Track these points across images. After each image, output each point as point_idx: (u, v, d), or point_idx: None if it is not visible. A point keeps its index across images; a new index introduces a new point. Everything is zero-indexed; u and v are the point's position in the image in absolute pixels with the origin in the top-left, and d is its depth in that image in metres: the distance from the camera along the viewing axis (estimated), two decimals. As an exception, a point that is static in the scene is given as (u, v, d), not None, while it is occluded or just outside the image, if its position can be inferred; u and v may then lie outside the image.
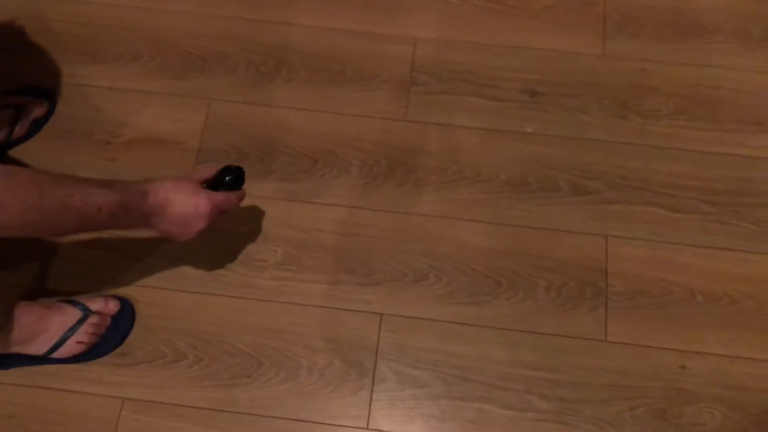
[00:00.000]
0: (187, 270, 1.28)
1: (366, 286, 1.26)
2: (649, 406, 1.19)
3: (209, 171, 1.08)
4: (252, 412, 1.18)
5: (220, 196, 1.04)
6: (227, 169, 1.08)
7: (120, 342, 1.22)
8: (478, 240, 1.30)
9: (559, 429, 1.17)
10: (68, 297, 1.21)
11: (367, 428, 1.17)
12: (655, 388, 1.20)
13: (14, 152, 1.35)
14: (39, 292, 1.24)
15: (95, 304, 1.20)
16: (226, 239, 1.29)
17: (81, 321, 1.17)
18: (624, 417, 1.18)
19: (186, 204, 0.98)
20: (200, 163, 1.35)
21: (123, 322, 1.22)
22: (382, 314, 1.24)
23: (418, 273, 1.27)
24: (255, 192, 1.31)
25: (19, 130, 1.35)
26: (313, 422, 1.18)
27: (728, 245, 1.30)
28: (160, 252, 1.28)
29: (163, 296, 1.26)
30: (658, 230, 1.31)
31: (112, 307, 1.21)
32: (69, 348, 1.17)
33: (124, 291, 1.26)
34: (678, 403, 1.19)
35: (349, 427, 1.18)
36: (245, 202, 1.17)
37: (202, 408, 1.18)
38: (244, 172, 1.09)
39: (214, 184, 1.06)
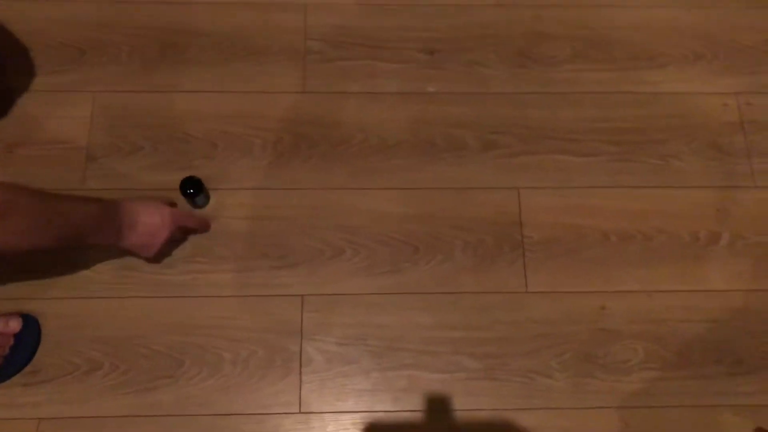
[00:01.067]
0: (92, 275, 1.21)
1: (282, 269, 1.22)
2: (574, 351, 1.21)
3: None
4: (178, 412, 1.14)
5: (180, 212, 1.17)
6: (186, 182, 1.19)
7: (28, 360, 1.15)
8: (392, 207, 1.27)
9: (490, 385, 1.18)
10: (-37, 321, 1.13)
11: (299, 412, 1.15)
12: (578, 332, 1.22)
13: None
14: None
15: (-7, 325, 1.13)
16: (129, 238, 1.22)
17: (-21, 345, 1.11)
18: (552, 365, 1.20)
19: (153, 215, 1.09)
20: (91, 161, 1.27)
21: (28, 340, 1.15)
22: (302, 295, 1.21)
23: (335, 249, 1.24)
24: (155, 185, 1.24)
25: None
26: (244, 414, 1.14)
27: (636, 183, 1.32)
28: (61, 261, 1.21)
29: (70, 306, 1.19)
30: (567, 177, 1.31)
31: (14, 325, 1.14)
32: None
33: (27, 306, 1.18)
34: (602, 344, 1.21)
35: (281, 413, 1.15)
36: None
37: (125, 416, 1.13)
38: (200, 180, 1.21)
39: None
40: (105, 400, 1.14)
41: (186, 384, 1.15)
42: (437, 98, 1.35)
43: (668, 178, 1.32)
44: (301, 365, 1.17)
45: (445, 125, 1.33)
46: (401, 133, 1.32)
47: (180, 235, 1.20)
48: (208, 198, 1.25)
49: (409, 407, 1.16)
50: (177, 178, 1.23)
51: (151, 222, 1.09)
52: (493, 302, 1.22)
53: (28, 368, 1.15)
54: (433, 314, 1.21)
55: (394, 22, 1.41)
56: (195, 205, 1.24)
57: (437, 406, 1.16)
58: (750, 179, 1.33)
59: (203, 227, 1.22)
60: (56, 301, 1.19)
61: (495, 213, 1.28)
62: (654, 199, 1.30)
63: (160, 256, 1.18)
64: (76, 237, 0.98)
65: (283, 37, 1.38)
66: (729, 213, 1.30)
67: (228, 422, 1.14)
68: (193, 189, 1.19)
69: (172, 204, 1.21)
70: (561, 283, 1.24)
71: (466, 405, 1.17)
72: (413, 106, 1.34)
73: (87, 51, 1.35)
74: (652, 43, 1.42)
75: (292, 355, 1.18)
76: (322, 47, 1.38)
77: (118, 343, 1.17)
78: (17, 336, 1.14)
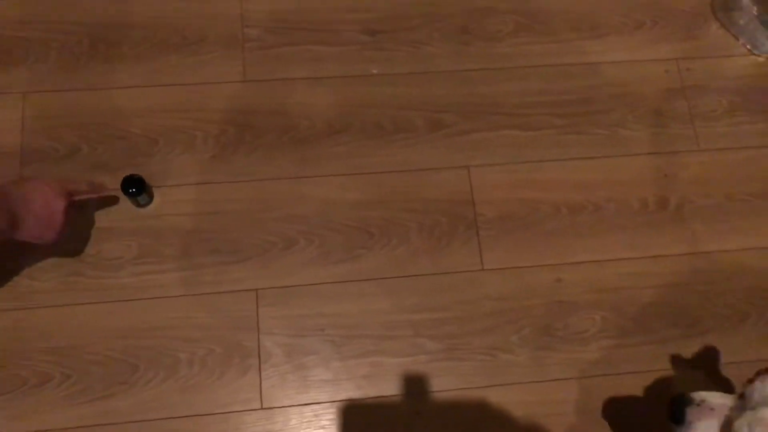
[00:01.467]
0: (35, 284, 1.16)
1: (234, 264, 1.20)
2: (533, 325, 1.21)
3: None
4: (136, 418, 1.11)
5: (71, 183, 1.09)
6: (127, 180, 1.16)
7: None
8: (343, 194, 1.25)
9: (453, 365, 1.18)
10: None
11: (261, 408, 1.13)
12: (535, 306, 1.22)
13: None
14: None
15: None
16: (74, 244, 1.18)
17: None
18: (512, 340, 1.20)
19: (44, 199, 1.02)
20: (26, 165, 1.21)
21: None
22: (257, 290, 1.19)
23: (287, 240, 1.22)
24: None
25: None
26: (204, 415, 1.12)
27: (584, 154, 1.32)
28: None
29: (13, 318, 1.14)
30: (516, 152, 1.31)
31: None
32: None
33: (-34, 321, 1.13)
34: (560, 316, 1.22)
35: (243, 411, 1.13)
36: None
37: (80, 427, 1.10)
38: (141, 178, 1.17)
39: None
40: (58, 413, 1.10)
41: (142, 389, 1.12)
42: (382, 80, 1.33)
43: (615, 147, 1.33)
44: (260, 360, 1.15)
45: (391, 107, 1.32)
46: (347, 118, 1.30)
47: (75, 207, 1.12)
48: (151, 196, 1.21)
49: (373, 394, 1.15)
50: (119, 177, 1.18)
51: (42, 200, 1.02)
52: (450, 283, 1.22)
53: (-27, 386, 1.10)
54: (391, 299, 1.20)
55: (332, 4, 1.38)
56: (138, 205, 1.20)
57: (401, 390, 1.16)
58: (694, 143, 1.34)
59: (97, 190, 1.16)
60: (-1, 313, 1.14)
61: (447, 193, 1.27)
62: (602, 169, 1.31)
63: (62, 236, 1.09)
64: None
65: (219, 25, 1.34)
66: (676, 177, 1.32)
67: (189, 424, 1.11)
68: (135, 188, 1.15)
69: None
70: (516, 259, 1.24)
71: (430, 387, 1.16)
72: (358, 89, 1.32)
73: (12, 50, 1.29)
74: (592, 13, 1.42)
75: (250, 350, 1.16)
76: (260, 34, 1.34)
77: (68, 351, 1.13)
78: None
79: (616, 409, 1.18)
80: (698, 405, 0.90)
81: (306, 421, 1.13)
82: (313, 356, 1.16)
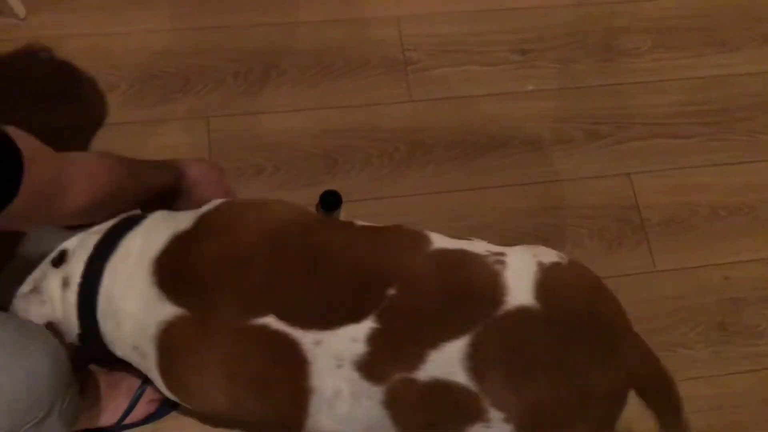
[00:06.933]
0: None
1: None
2: (708, 322, 1.27)
3: None
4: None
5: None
6: (327, 196, 1.21)
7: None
8: (515, 202, 1.31)
9: (639, 363, 1.22)
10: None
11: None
12: (709, 303, 1.28)
13: None
14: None
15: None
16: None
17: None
18: (690, 337, 1.25)
19: (209, 177, 1.05)
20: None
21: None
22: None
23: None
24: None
25: None
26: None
27: (732, 159, 1.40)
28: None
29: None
30: (670, 159, 1.38)
31: None
32: (141, 409, 1.08)
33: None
34: (732, 312, 1.28)
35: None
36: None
37: None
38: (338, 193, 1.22)
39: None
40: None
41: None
42: (537, 95, 1.41)
43: (759, 153, 1.41)
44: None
45: (549, 120, 1.39)
46: (509, 131, 1.37)
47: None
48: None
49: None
50: (305, 194, 1.24)
51: (207, 183, 1.06)
52: (627, 284, 1.27)
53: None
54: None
55: (482, 27, 1.46)
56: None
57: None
58: (832, 146, 1.43)
59: None
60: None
61: (612, 199, 1.34)
62: (751, 173, 1.39)
63: None
64: (148, 201, 0.97)
65: (380, 49, 1.41)
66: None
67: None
68: (334, 203, 1.21)
69: None
70: (684, 259, 1.31)
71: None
72: (516, 105, 1.39)
73: (190, 77, 1.35)
74: (722, 29, 1.51)
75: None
76: (420, 57, 1.41)
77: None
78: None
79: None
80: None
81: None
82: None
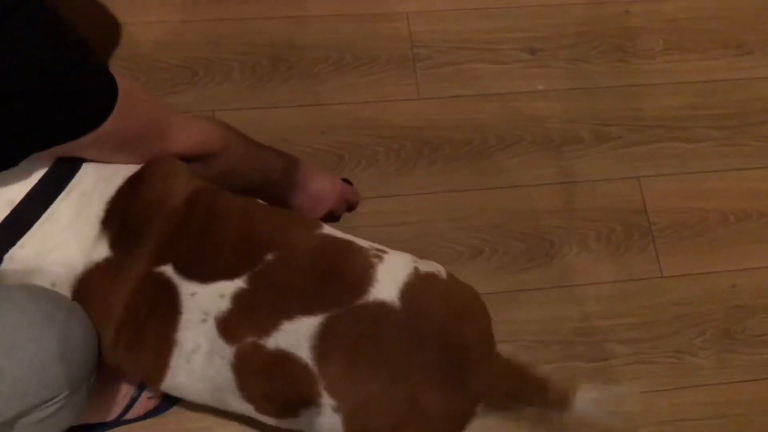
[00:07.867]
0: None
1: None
2: (714, 329, 1.25)
3: None
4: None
5: (348, 187, 1.20)
6: None
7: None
8: (522, 204, 1.30)
9: (643, 368, 1.21)
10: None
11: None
12: (715, 310, 1.26)
13: None
14: None
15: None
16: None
17: (148, 373, 1.08)
18: (695, 343, 1.24)
19: (324, 182, 1.11)
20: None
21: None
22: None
23: (473, 249, 1.26)
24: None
25: None
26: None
27: (743, 165, 1.38)
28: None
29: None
30: (681, 163, 1.36)
31: None
32: (141, 405, 1.08)
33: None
34: (738, 320, 1.26)
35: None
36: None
37: None
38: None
39: None
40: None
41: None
42: (547, 95, 1.39)
43: (772, 158, 1.39)
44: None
45: (558, 121, 1.37)
46: (518, 131, 1.36)
47: (342, 209, 1.20)
48: None
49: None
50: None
51: (320, 188, 1.10)
52: (633, 289, 1.26)
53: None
54: (578, 306, 1.24)
55: (492, 24, 1.44)
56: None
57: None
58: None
59: (356, 204, 1.25)
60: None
61: (620, 202, 1.32)
62: (763, 179, 1.37)
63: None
64: (261, 185, 1.00)
65: (390, 45, 1.40)
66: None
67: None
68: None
69: (346, 181, 1.22)
70: (691, 265, 1.29)
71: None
72: (526, 104, 1.38)
73: (198, 70, 1.34)
74: (738, 31, 1.48)
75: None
76: (429, 53, 1.40)
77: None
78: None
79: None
80: None
81: None
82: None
